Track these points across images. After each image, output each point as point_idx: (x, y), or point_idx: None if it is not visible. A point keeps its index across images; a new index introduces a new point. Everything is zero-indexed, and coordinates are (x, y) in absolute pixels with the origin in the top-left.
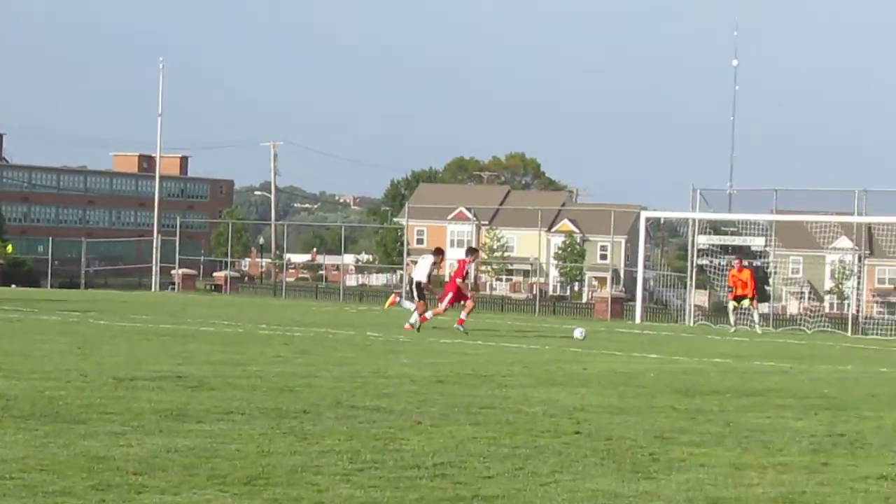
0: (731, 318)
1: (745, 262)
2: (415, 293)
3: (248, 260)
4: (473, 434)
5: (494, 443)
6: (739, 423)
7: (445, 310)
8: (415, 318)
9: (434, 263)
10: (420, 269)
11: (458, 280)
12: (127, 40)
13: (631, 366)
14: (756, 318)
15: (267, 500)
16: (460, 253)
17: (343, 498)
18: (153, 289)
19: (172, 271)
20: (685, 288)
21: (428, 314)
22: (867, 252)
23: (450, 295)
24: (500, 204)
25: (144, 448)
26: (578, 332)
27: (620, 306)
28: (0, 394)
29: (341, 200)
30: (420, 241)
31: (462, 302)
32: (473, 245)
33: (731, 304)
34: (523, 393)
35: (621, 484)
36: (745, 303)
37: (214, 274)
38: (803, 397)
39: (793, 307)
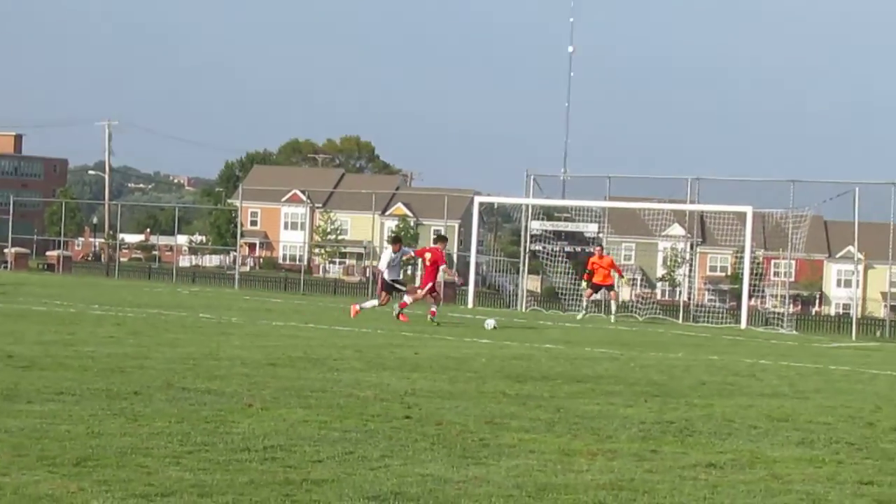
0: (584, 304)
1: (606, 251)
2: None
3: (81, 239)
4: (304, 417)
5: (325, 426)
6: (569, 410)
7: (424, 296)
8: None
9: (395, 253)
10: (384, 261)
11: (443, 266)
12: None
13: (462, 351)
14: (613, 308)
15: (96, 482)
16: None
17: (172, 480)
18: None
19: (5, 250)
20: (518, 273)
21: (407, 298)
22: (699, 240)
23: (430, 284)
24: (335, 187)
25: None
26: (489, 323)
27: (453, 291)
28: None
29: (175, 181)
30: (254, 223)
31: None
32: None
33: (587, 290)
34: (354, 377)
35: (451, 469)
36: (601, 292)
37: (47, 253)
38: (633, 384)
39: (625, 294)
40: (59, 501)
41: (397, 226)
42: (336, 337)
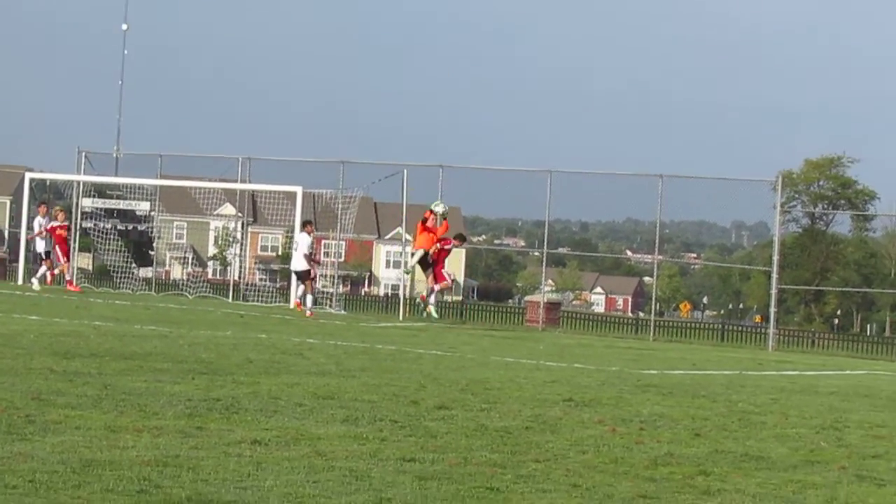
0: None
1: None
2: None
3: None
4: None
5: None
6: (117, 386)
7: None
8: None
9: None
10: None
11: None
12: None
13: (10, 327)
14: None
15: None
16: None
17: None
18: None
19: None
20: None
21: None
22: (251, 219)
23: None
24: None
25: None
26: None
27: (4, 268)
28: None
29: None
30: None
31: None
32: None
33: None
34: None
35: None
36: None
37: None
38: (181, 362)
39: (176, 272)
40: None
41: None
42: None
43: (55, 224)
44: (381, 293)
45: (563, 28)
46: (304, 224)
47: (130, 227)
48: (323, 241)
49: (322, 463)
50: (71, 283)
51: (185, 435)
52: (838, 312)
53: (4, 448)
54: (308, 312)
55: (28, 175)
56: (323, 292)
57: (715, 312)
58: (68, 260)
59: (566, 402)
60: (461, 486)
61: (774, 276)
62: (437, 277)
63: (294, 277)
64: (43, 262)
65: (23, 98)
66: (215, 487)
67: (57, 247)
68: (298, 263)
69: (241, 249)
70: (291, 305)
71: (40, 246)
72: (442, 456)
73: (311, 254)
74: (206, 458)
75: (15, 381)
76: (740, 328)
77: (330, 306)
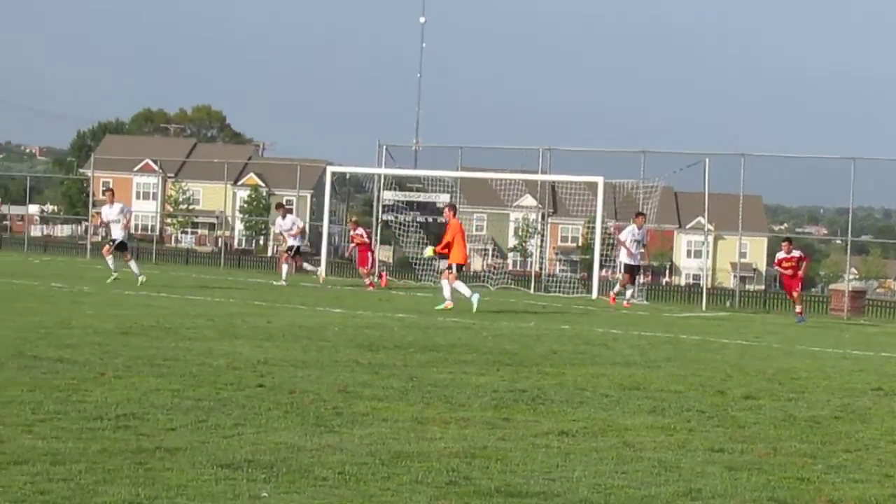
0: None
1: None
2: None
3: None
4: (157, 386)
5: (178, 395)
6: (422, 378)
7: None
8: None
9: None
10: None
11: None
12: None
13: (314, 320)
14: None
15: None
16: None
17: (25, 448)
18: None
19: None
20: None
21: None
22: (551, 210)
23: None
24: (187, 157)
25: None
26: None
27: (306, 261)
28: None
29: (27, 151)
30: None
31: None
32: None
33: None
34: (207, 346)
35: (304, 437)
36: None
37: None
38: (486, 353)
39: (477, 264)
40: None
41: (249, 195)
42: (189, 306)
43: (354, 234)
44: (682, 283)
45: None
46: (637, 215)
47: (431, 219)
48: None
49: (630, 454)
50: (383, 277)
51: (492, 426)
52: None
53: (313, 440)
54: (625, 303)
55: (329, 169)
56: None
57: None
58: (366, 265)
59: (875, 392)
60: (771, 477)
61: None
62: None
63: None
64: (289, 258)
65: (324, 93)
66: (524, 478)
67: (358, 253)
68: (628, 257)
69: (541, 240)
70: (594, 296)
71: (291, 241)
72: (751, 446)
73: (641, 245)
74: (513, 450)
75: (321, 374)
76: None
77: (632, 297)
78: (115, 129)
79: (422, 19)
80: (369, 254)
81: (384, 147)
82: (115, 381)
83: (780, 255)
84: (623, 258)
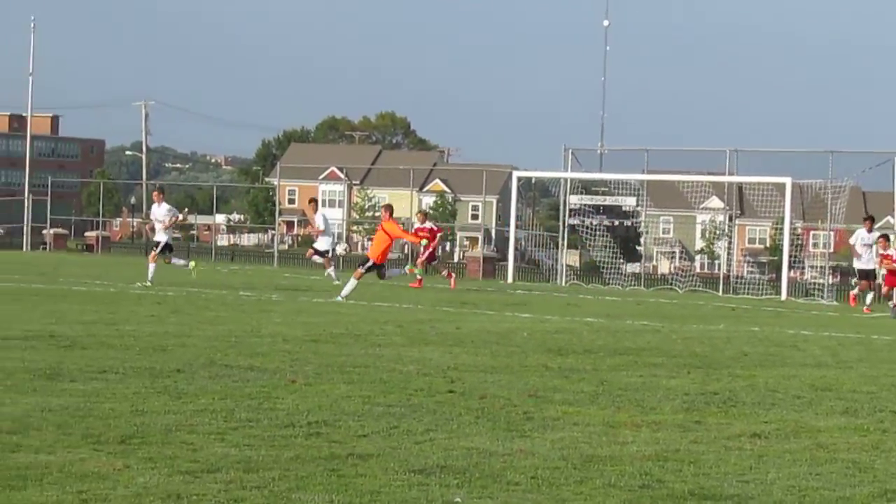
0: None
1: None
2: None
3: (119, 220)
4: (347, 393)
5: (369, 401)
6: (612, 382)
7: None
8: None
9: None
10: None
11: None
12: None
13: (503, 325)
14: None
15: (141, 459)
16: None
17: (218, 456)
18: (24, 248)
19: (44, 231)
20: (557, 247)
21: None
22: (738, 212)
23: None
24: (372, 163)
25: (18, 407)
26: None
27: (492, 266)
28: None
29: (213, 160)
30: (291, 201)
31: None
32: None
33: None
34: (396, 352)
35: (496, 442)
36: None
37: (86, 234)
38: (675, 356)
39: (664, 267)
40: (105, 479)
41: (435, 202)
42: (377, 312)
43: (419, 226)
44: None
45: None
46: (865, 219)
47: (617, 222)
48: (811, 232)
49: (824, 455)
50: (451, 277)
51: (684, 429)
52: None
53: (505, 445)
54: (865, 308)
55: (515, 174)
56: (813, 283)
57: None
58: (423, 259)
59: None
60: None
61: None
62: None
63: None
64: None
65: (508, 98)
66: (717, 481)
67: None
68: (861, 261)
69: (729, 242)
70: (783, 298)
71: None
72: None
73: (871, 248)
74: (706, 452)
75: (511, 379)
76: None
77: (821, 297)
78: (300, 137)
79: (605, 22)
80: (429, 251)
81: (570, 151)
82: (305, 389)
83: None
84: (856, 263)
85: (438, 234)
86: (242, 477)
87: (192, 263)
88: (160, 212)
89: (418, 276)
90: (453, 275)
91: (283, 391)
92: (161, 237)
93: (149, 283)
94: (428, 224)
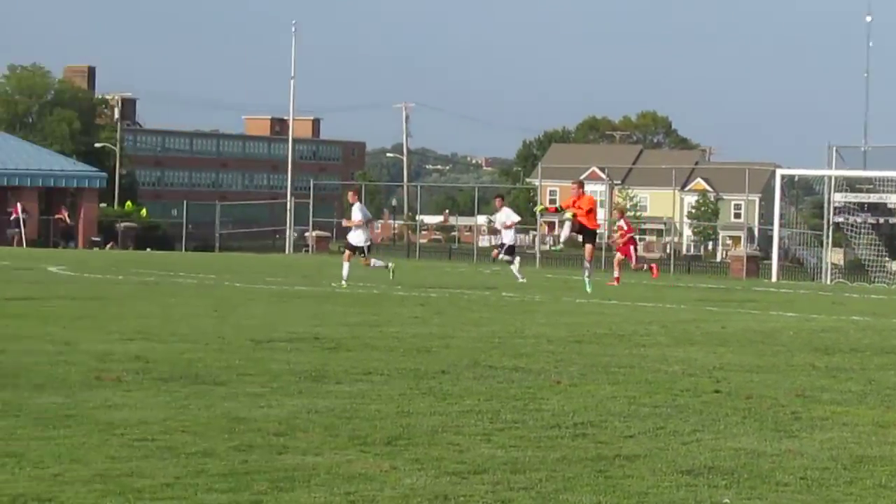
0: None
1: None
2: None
3: (380, 222)
4: (613, 393)
5: (634, 402)
6: (881, 382)
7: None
8: None
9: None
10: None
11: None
12: (258, 4)
13: (768, 324)
14: None
15: (408, 461)
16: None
17: (484, 458)
18: (287, 251)
19: (306, 233)
20: (821, 246)
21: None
22: None
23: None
24: (633, 163)
25: (284, 409)
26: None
27: (756, 265)
28: (140, 356)
29: (473, 162)
30: (552, 202)
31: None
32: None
33: None
34: (661, 352)
35: (763, 442)
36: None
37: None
38: None
39: None
40: (372, 480)
41: (697, 201)
42: (640, 313)
43: (619, 224)
44: None
45: None
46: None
47: (882, 220)
48: None
49: None
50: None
51: None
52: None
53: (773, 445)
54: None
55: (778, 172)
56: None
57: None
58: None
59: None
60: None
61: None
62: None
63: None
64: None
65: (769, 96)
66: None
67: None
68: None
69: None
70: None
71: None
72: None
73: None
74: None
75: (778, 378)
76: None
77: None
78: (561, 137)
79: (868, 18)
80: (631, 247)
81: (833, 148)
82: (570, 389)
83: None
84: None
85: (629, 234)
86: (510, 478)
87: (391, 265)
88: (356, 213)
89: (615, 276)
90: (655, 265)
91: (548, 392)
92: (357, 239)
93: (343, 284)
94: (621, 222)
